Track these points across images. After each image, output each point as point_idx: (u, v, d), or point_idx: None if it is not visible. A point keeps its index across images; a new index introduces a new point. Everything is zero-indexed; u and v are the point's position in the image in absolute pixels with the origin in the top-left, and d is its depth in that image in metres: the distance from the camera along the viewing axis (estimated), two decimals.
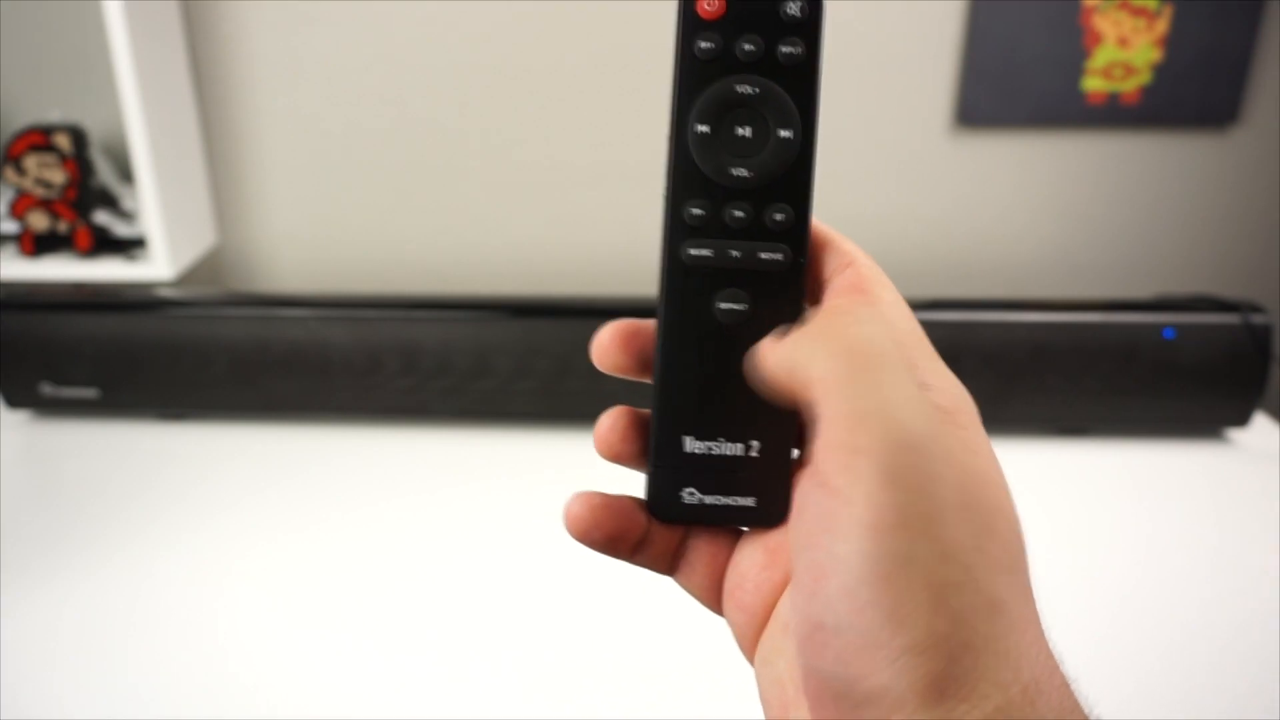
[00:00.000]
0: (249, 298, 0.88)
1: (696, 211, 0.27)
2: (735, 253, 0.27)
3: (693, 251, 0.28)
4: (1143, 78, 0.94)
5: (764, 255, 0.27)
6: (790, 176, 0.27)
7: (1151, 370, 0.81)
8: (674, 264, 0.28)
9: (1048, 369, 0.81)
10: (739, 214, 0.27)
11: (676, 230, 0.28)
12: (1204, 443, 0.84)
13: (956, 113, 0.97)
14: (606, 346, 0.29)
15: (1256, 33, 0.93)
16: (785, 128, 0.27)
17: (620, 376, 0.29)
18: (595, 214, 1.02)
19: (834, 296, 0.27)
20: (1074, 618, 0.61)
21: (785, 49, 0.27)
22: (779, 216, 0.27)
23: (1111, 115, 0.96)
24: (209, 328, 0.83)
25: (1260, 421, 0.86)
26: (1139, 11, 0.92)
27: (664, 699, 0.55)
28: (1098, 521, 0.72)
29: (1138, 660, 0.58)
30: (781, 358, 0.25)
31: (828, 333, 0.24)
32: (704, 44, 0.27)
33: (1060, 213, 1.02)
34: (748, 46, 0.27)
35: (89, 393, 0.84)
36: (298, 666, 0.57)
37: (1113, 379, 0.81)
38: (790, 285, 0.28)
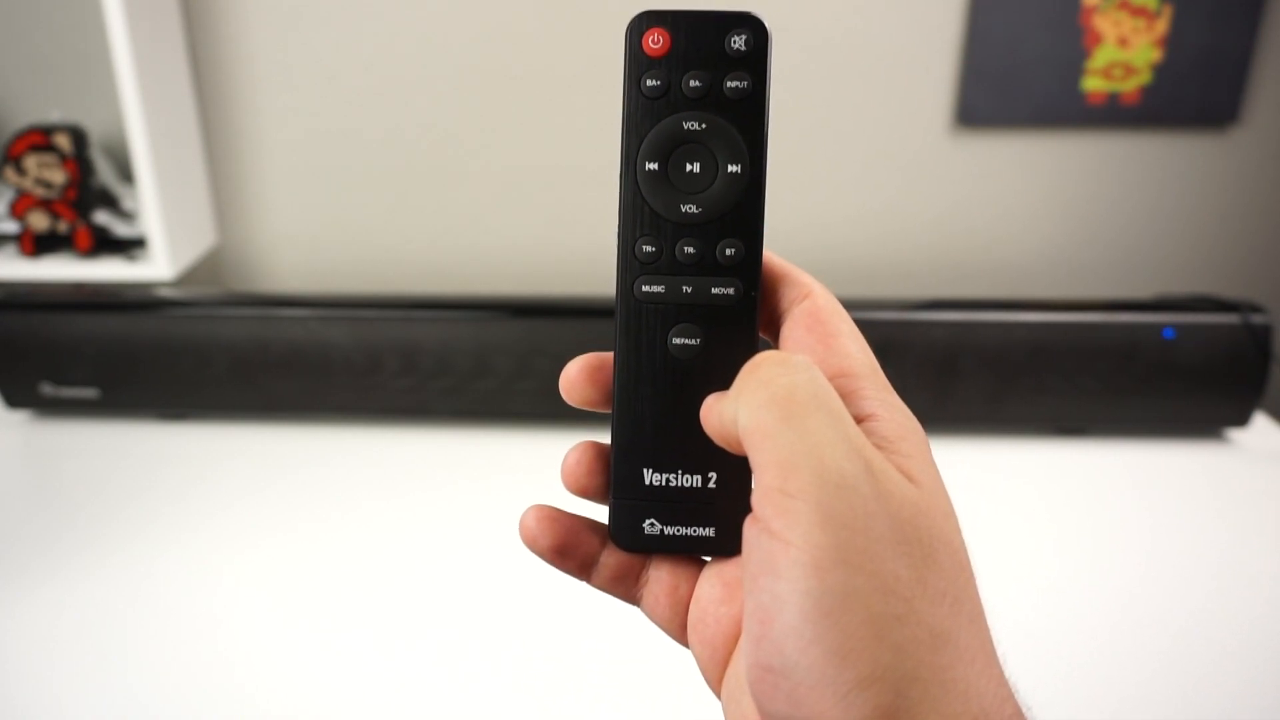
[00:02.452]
0: (249, 298, 0.88)
1: (648, 248, 0.28)
2: (687, 289, 0.28)
3: (645, 288, 0.28)
4: (1143, 78, 0.94)
5: (715, 291, 0.28)
6: (740, 211, 0.28)
7: (1151, 370, 0.81)
8: (627, 300, 0.28)
9: (1047, 369, 0.81)
10: (690, 250, 0.28)
11: (629, 267, 0.28)
12: (1204, 443, 0.84)
13: (956, 113, 0.97)
14: (574, 381, 0.29)
15: (1256, 33, 0.93)
16: (733, 163, 0.28)
17: (590, 410, 0.30)
18: (595, 214, 1.02)
19: (792, 329, 0.28)
20: (1075, 618, 0.61)
21: (731, 83, 0.27)
22: (730, 252, 0.28)
23: (1111, 115, 0.96)
24: (209, 328, 0.83)
25: (1260, 421, 0.86)
26: (1139, 11, 0.92)
27: (663, 699, 0.55)
28: (1098, 521, 0.72)
29: (1138, 660, 0.58)
30: (716, 414, 0.26)
31: (753, 386, 0.24)
32: (651, 81, 0.27)
33: (1060, 213, 1.02)
34: (694, 83, 0.27)
35: (89, 393, 0.84)
36: (297, 666, 0.57)
37: (1112, 379, 0.81)
38: (743, 319, 0.28)
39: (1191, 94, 0.95)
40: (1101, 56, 0.94)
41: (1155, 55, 0.93)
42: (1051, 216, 1.02)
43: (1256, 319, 0.80)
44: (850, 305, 0.29)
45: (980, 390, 0.81)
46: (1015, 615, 0.61)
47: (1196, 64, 0.94)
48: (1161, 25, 0.92)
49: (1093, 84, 0.95)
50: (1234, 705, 0.54)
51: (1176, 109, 0.96)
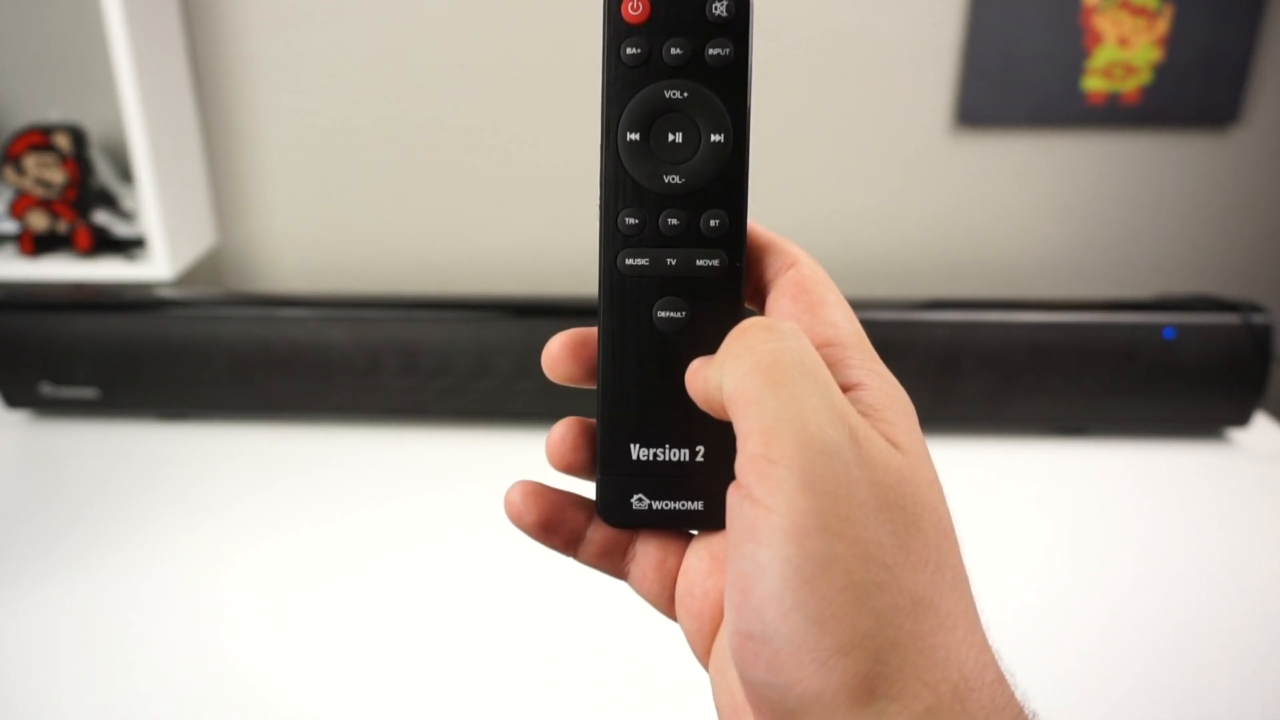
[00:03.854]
0: (249, 298, 0.88)
1: (631, 220, 0.27)
2: (671, 260, 0.27)
3: (629, 261, 0.28)
4: (1143, 78, 0.94)
5: (700, 262, 0.27)
6: (723, 181, 0.27)
7: (1151, 370, 0.81)
8: (611, 273, 0.28)
9: (1048, 369, 0.81)
10: (674, 221, 0.27)
11: (612, 239, 0.28)
12: (1204, 443, 0.84)
13: (956, 113, 0.97)
14: (556, 357, 0.29)
15: (1256, 33, 0.93)
16: (716, 132, 0.27)
17: (572, 386, 0.29)
18: (595, 213, 1.02)
19: (778, 298, 0.28)
20: (1075, 617, 0.61)
21: (713, 51, 0.27)
22: (714, 222, 0.27)
23: (1111, 115, 0.96)
24: (209, 328, 0.83)
25: (1260, 421, 0.86)
26: (1139, 11, 0.92)
27: (663, 698, 0.55)
28: (1098, 521, 0.72)
29: (1138, 659, 0.58)
30: (701, 378, 0.26)
31: (738, 352, 0.24)
32: (630, 49, 0.27)
33: (1060, 213, 1.02)
34: (675, 50, 0.27)
35: (89, 393, 0.84)
36: (297, 666, 0.57)
37: (1113, 379, 0.81)
38: (728, 290, 0.28)
39: (1191, 94, 0.95)
40: (1102, 56, 0.94)
41: (1155, 55, 0.93)
42: (1051, 216, 1.02)
43: (1256, 319, 0.80)
44: (850, 305, 0.28)
45: (981, 390, 0.81)
46: (1015, 614, 0.61)
47: (1196, 64, 0.94)
48: (1162, 25, 0.92)
49: (1093, 84, 0.95)
50: (1233, 704, 0.54)
51: (1176, 109, 0.96)
